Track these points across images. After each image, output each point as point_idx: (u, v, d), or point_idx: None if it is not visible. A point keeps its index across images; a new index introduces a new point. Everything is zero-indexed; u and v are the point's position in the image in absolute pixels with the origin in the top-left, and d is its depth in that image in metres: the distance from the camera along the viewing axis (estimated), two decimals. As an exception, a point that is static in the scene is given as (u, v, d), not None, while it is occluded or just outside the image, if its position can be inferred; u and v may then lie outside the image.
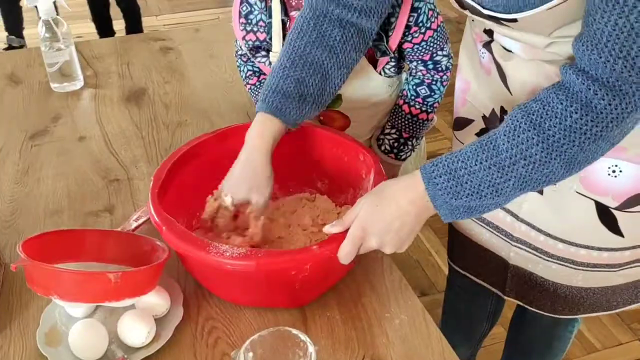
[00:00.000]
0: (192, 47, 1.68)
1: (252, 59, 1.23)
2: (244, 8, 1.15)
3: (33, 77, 1.50)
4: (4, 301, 0.89)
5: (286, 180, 1.02)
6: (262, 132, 0.88)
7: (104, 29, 3.37)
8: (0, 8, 3.26)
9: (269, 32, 1.13)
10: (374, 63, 1.15)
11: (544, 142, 0.69)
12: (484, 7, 0.75)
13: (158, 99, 1.44)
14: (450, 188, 0.73)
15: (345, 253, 0.79)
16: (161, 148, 1.26)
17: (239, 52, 1.27)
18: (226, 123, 1.31)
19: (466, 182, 0.73)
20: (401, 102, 1.21)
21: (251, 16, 1.14)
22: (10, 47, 3.27)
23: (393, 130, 1.23)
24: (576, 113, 0.67)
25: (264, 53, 1.18)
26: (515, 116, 0.71)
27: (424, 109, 1.20)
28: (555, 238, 0.94)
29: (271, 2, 1.12)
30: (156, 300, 0.83)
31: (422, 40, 1.12)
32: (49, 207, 1.09)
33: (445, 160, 0.74)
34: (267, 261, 0.76)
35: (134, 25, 3.36)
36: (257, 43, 1.16)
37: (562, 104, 0.68)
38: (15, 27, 3.33)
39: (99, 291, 0.71)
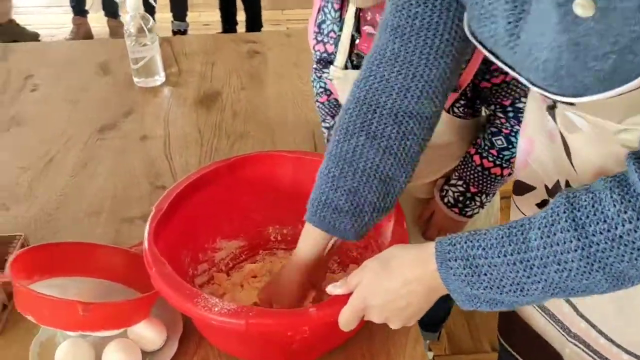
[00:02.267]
0: (280, 53, 1.63)
1: (320, 74, 1.15)
2: (320, 16, 1.08)
3: (121, 69, 1.53)
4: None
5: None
6: (308, 247, 0.79)
7: (228, 18, 3.45)
8: None
9: (337, 44, 1.05)
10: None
11: (584, 249, 0.54)
12: (532, 84, 0.59)
13: (229, 106, 1.40)
14: (466, 276, 0.61)
15: (345, 321, 0.69)
16: (216, 159, 1.22)
17: (313, 66, 1.21)
18: (289, 140, 1.27)
19: (485, 274, 0.59)
20: (473, 151, 1.06)
21: (323, 26, 1.07)
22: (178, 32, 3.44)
23: (460, 182, 1.09)
24: (630, 222, 0.51)
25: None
26: (558, 207, 0.56)
27: (498, 162, 1.04)
28: (620, 347, 0.76)
29: (346, 13, 1.03)
30: (147, 333, 0.78)
31: (504, 80, 0.97)
32: (91, 206, 1.09)
33: (465, 243, 0.61)
34: (258, 322, 0.68)
35: (254, 17, 3.41)
36: (324, 55, 1.09)
37: (615, 206, 0.52)
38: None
39: (69, 320, 0.68)
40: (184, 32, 3.50)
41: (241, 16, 3.45)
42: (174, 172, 1.18)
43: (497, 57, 0.62)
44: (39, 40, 3.46)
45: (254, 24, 3.41)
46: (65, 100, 1.42)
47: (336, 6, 1.05)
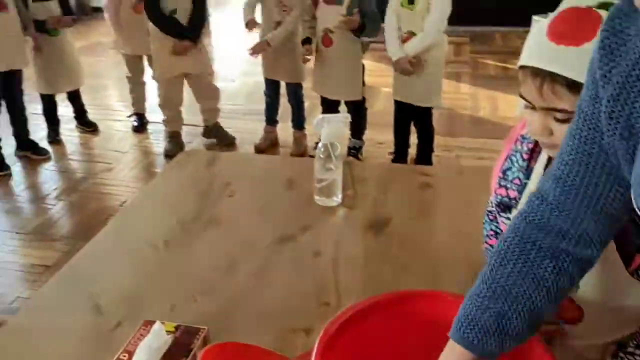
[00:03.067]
0: (450, 189, 1.71)
1: (498, 217, 1.19)
2: (507, 164, 1.14)
3: (304, 186, 1.71)
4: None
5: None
6: None
7: (401, 142, 3.64)
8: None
9: (521, 191, 1.09)
10: (627, 258, 1.00)
11: None
12: None
13: (397, 235, 1.49)
14: None
15: None
16: (378, 286, 1.28)
17: (488, 208, 1.25)
18: (451, 278, 1.30)
19: None
20: None
21: (509, 172, 1.13)
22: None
23: (638, 352, 1.03)
24: None
25: (509, 214, 1.14)
26: None
27: None
28: None
29: (535, 163, 1.08)
30: None
31: None
32: (263, 311, 1.21)
33: None
34: None
35: (426, 143, 3.56)
36: (505, 199, 1.13)
37: None
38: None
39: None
40: (359, 149, 3.76)
41: (414, 138, 3.62)
42: (339, 291, 1.27)
43: None
44: (235, 143, 3.97)
45: (425, 149, 3.55)
46: (254, 209, 1.62)
47: (525, 156, 1.10)
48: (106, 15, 3.94)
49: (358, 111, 3.69)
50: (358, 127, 3.75)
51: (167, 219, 1.57)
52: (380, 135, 4.05)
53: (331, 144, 1.58)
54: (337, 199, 1.64)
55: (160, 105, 3.81)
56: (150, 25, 3.55)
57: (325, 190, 1.62)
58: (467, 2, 5.27)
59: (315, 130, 1.59)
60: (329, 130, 1.56)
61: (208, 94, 3.83)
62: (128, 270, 1.37)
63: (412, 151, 3.65)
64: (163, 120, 3.90)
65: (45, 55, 3.72)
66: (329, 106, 3.67)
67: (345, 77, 3.48)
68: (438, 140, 3.72)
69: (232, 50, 3.98)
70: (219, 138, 3.98)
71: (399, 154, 3.63)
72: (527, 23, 3.83)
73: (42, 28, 3.60)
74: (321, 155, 1.59)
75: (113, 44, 4.07)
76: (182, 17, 3.47)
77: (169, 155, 3.76)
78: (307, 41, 3.50)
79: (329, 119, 1.57)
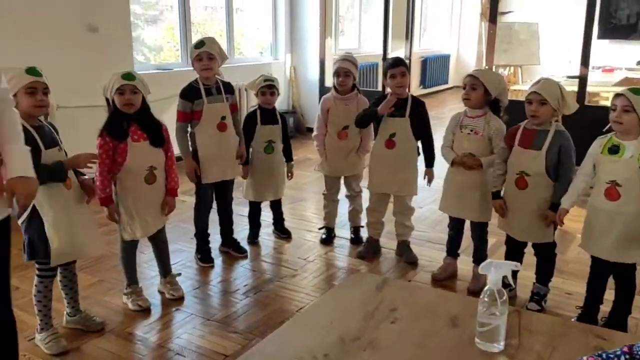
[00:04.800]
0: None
1: None
2: None
3: (468, 326, 1.70)
4: None
5: None
6: None
7: (594, 296, 3.33)
8: None
9: None
10: None
11: None
12: None
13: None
14: None
15: None
16: None
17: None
18: None
19: None
20: None
21: None
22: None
23: None
24: None
25: None
26: None
27: None
28: None
29: None
30: None
31: None
32: None
33: None
34: None
35: (623, 303, 3.21)
36: None
37: None
38: None
39: None
40: (543, 296, 3.54)
41: (609, 294, 3.30)
42: None
43: None
44: (417, 263, 4.06)
45: (621, 309, 3.20)
46: (414, 340, 1.65)
47: None
48: (314, 139, 4.43)
49: (546, 255, 3.52)
50: (544, 272, 3.55)
51: (331, 334, 1.68)
52: (569, 286, 3.77)
53: (498, 290, 1.58)
54: (499, 345, 1.60)
55: (367, 209, 4.22)
56: (372, 144, 4.07)
57: (486, 335, 1.60)
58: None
59: (481, 273, 1.60)
60: (496, 276, 1.57)
61: (404, 211, 4.13)
62: (287, 375, 1.49)
63: (605, 308, 3.32)
64: (366, 224, 4.28)
65: (258, 168, 4.28)
66: (515, 246, 3.56)
67: (537, 219, 3.38)
68: (638, 300, 3.35)
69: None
70: (405, 255, 4.16)
71: (588, 310, 3.32)
72: None
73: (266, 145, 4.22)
74: (486, 299, 1.59)
75: (318, 166, 4.51)
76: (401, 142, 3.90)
77: (361, 256, 4.21)
78: (497, 195, 3.52)
79: (497, 264, 1.58)
